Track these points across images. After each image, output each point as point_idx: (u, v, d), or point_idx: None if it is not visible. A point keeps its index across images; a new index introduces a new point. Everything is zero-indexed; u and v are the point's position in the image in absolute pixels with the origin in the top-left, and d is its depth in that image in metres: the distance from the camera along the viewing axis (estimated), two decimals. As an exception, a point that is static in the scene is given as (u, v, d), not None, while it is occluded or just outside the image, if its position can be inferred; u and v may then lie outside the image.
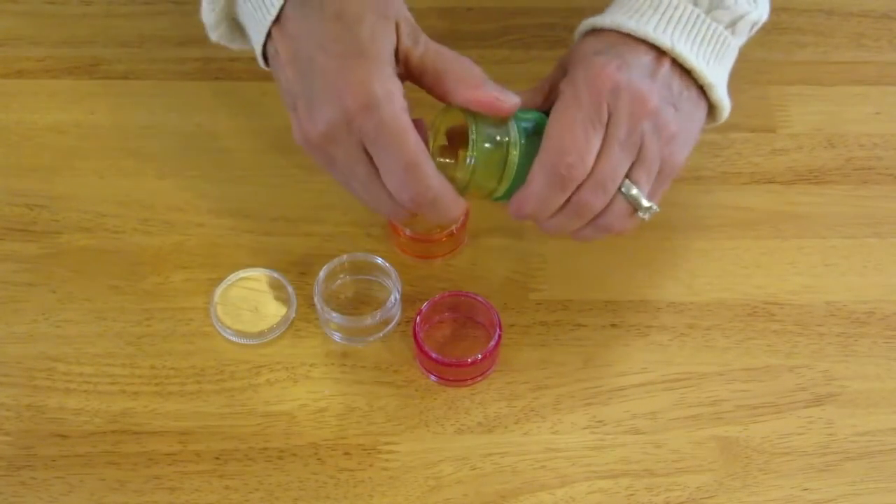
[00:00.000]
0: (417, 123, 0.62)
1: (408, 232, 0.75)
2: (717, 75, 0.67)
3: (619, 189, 0.65)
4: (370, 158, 0.63)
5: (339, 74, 0.61)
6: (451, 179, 0.64)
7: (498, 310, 0.72)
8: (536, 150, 0.64)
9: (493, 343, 0.70)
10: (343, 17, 0.62)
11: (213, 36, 0.70)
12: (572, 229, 0.67)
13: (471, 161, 0.64)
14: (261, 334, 0.73)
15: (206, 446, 0.70)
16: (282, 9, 0.63)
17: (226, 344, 0.73)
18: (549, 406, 0.71)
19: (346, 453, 0.70)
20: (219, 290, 0.75)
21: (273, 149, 0.81)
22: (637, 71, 0.64)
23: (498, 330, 0.71)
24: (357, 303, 0.75)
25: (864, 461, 0.70)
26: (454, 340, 0.74)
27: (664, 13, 0.65)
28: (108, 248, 0.77)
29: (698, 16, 0.66)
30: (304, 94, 0.63)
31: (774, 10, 0.70)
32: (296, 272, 0.76)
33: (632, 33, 0.65)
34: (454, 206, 0.64)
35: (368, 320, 0.72)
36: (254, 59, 0.68)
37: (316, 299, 0.72)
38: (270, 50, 0.66)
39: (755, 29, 0.69)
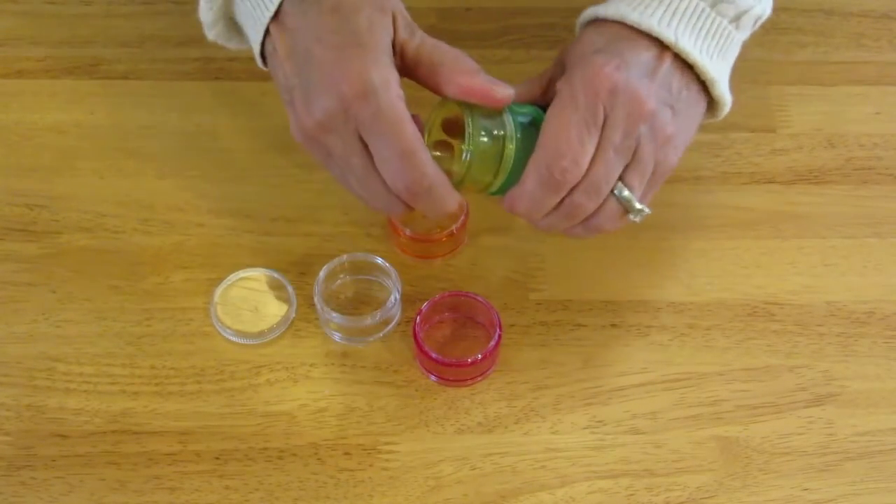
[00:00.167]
0: (414, 118, 0.62)
1: (408, 232, 0.75)
2: (719, 70, 0.67)
3: (612, 192, 0.65)
4: (366, 148, 0.63)
5: (335, 64, 0.61)
6: (448, 173, 0.64)
7: (498, 310, 0.72)
8: (533, 145, 0.64)
9: (493, 343, 0.70)
10: (340, 10, 0.62)
11: (210, 34, 0.70)
12: (563, 228, 0.67)
13: (467, 154, 0.64)
14: (261, 334, 0.73)
15: (206, 446, 0.70)
16: (280, 5, 0.64)
17: (226, 344, 0.73)
18: (549, 406, 0.71)
19: (346, 453, 0.70)
20: (219, 290, 0.75)
21: (273, 148, 0.81)
22: (636, 70, 0.64)
23: (498, 330, 0.71)
24: (357, 303, 0.75)
25: (864, 461, 0.70)
26: (454, 340, 0.74)
27: (669, 5, 0.65)
28: (108, 248, 0.77)
29: (703, 9, 0.65)
30: (301, 86, 0.63)
31: (774, 9, 0.70)
32: (296, 272, 0.76)
33: (635, 26, 0.65)
34: (449, 197, 0.64)
35: (368, 320, 0.72)
36: (253, 58, 0.68)
37: (316, 299, 0.72)
38: (268, 47, 0.66)
39: (758, 24, 0.69)
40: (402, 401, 0.72)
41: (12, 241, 0.77)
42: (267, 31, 0.65)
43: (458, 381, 0.72)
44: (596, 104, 0.63)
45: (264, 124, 0.83)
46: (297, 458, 0.69)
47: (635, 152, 0.64)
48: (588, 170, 0.64)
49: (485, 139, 0.64)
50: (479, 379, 0.72)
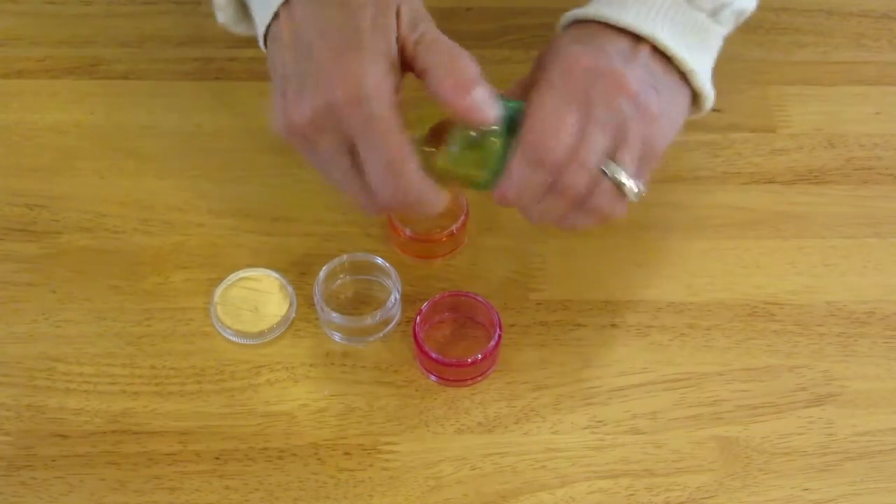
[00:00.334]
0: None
1: (408, 232, 0.75)
2: (698, 62, 0.67)
3: (604, 171, 0.65)
4: (355, 151, 0.63)
5: (333, 65, 0.61)
6: (434, 168, 0.64)
7: (498, 310, 0.72)
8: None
9: (493, 343, 0.70)
10: (348, 4, 0.62)
11: (221, 17, 0.70)
12: (559, 215, 0.66)
13: (454, 150, 0.64)
14: (261, 334, 0.73)
15: (206, 446, 0.70)
16: None
17: (226, 344, 0.73)
18: (549, 406, 0.71)
19: (346, 453, 0.70)
20: (219, 290, 0.75)
21: (273, 149, 0.81)
22: (615, 57, 0.64)
23: (498, 330, 0.71)
24: (357, 303, 0.75)
25: (864, 461, 0.70)
26: (454, 340, 0.74)
27: (644, 2, 0.65)
28: (108, 248, 0.77)
29: (679, 4, 0.66)
30: (297, 79, 0.63)
31: (774, 10, 0.70)
32: (296, 272, 0.76)
33: (612, 23, 0.65)
34: (433, 205, 0.64)
35: (368, 320, 0.72)
36: (253, 58, 0.68)
37: (316, 299, 0.72)
38: (273, 30, 0.65)
39: (742, 18, 0.69)
40: (402, 401, 0.72)
41: (12, 241, 0.77)
42: (276, 15, 0.65)
43: (458, 381, 0.72)
44: (575, 84, 0.63)
45: (265, 124, 0.82)
46: (297, 458, 0.69)
47: (622, 130, 0.64)
48: (574, 147, 0.63)
49: (472, 135, 0.64)
50: (479, 379, 0.72)
